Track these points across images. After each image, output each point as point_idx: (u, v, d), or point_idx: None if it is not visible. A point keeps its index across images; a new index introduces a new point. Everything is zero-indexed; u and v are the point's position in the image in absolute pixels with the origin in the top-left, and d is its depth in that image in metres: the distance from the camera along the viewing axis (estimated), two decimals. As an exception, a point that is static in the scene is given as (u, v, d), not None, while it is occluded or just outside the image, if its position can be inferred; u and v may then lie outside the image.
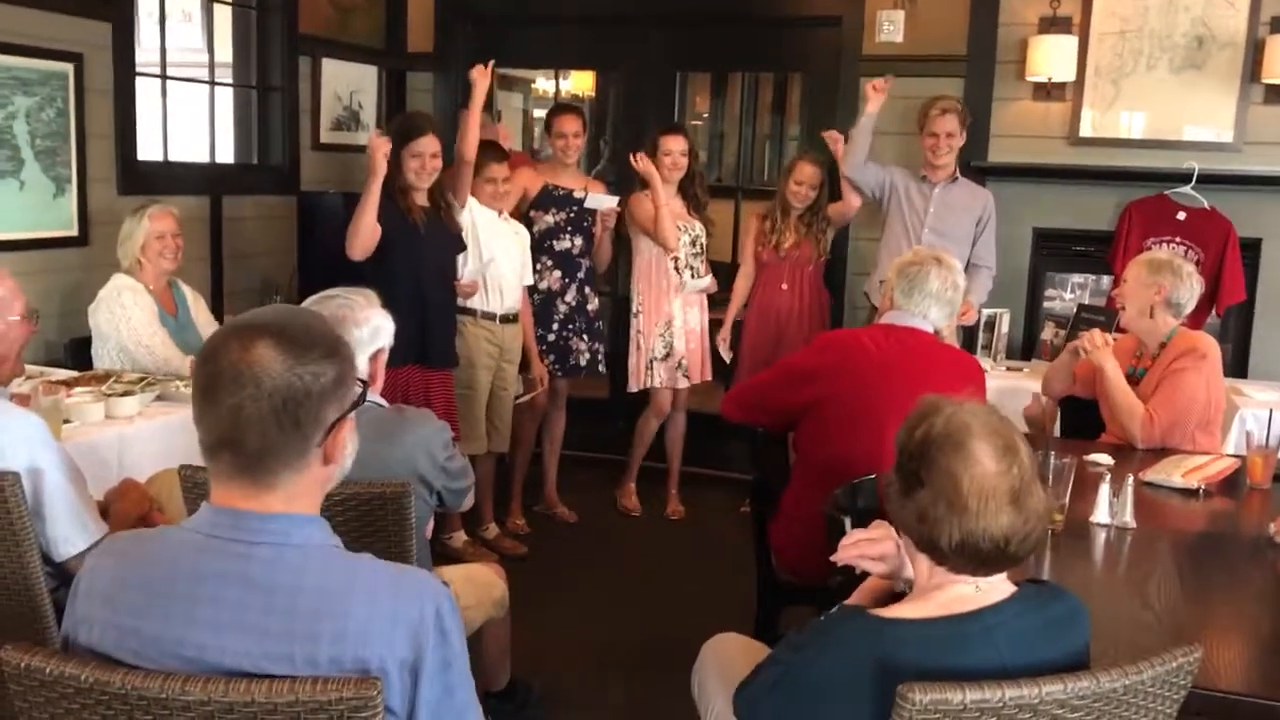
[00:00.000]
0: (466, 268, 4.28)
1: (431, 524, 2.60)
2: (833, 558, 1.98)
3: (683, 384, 4.95)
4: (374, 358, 2.43)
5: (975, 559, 1.59)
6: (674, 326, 4.89)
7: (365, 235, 3.88)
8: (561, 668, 3.60)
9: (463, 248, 4.22)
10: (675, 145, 4.79)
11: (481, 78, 4.24)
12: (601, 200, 4.76)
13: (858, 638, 1.57)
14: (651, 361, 4.91)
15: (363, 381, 1.53)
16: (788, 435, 3.32)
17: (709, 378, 5.05)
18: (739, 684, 1.78)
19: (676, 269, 4.86)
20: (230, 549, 1.42)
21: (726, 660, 2.31)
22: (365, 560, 1.50)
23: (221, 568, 1.41)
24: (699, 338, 4.99)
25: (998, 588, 1.63)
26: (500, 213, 4.43)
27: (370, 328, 2.42)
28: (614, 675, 3.59)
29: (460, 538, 4.48)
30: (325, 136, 5.45)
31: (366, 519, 2.22)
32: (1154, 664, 1.53)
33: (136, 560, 1.47)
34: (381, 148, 3.83)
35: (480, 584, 2.84)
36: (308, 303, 2.48)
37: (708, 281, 4.97)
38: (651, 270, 4.90)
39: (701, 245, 4.91)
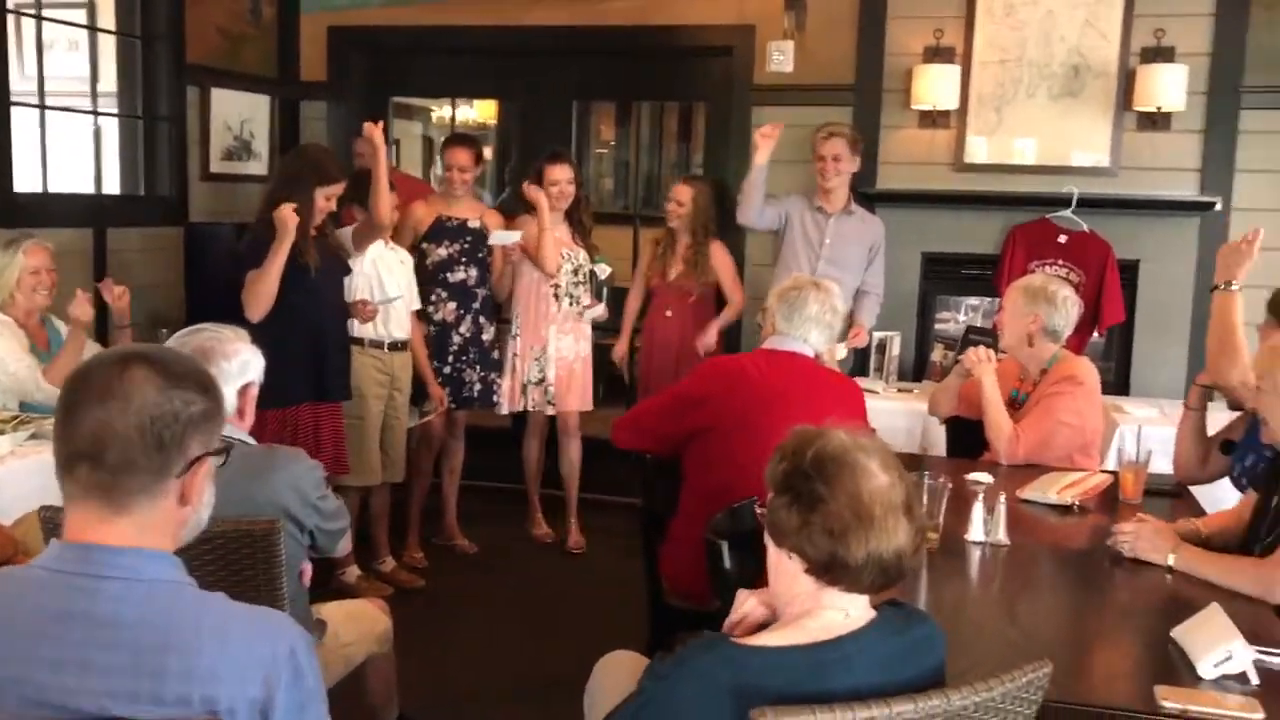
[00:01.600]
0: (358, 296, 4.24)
1: (308, 567, 2.56)
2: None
3: (549, 411, 4.94)
4: (242, 391, 2.40)
5: (878, 572, 1.62)
6: (548, 353, 4.89)
7: (269, 298, 3.76)
8: (458, 702, 3.55)
9: (349, 271, 4.16)
10: (560, 174, 4.81)
11: (378, 138, 4.07)
12: (504, 236, 4.77)
13: (717, 666, 1.57)
14: (526, 385, 4.91)
15: (228, 442, 1.53)
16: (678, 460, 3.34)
17: (588, 407, 5.02)
18: (607, 714, 1.77)
19: (556, 295, 4.87)
20: (76, 584, 1.39)
21: (615, 679, 2.30)
22: (217, 598, 1.48)
23: (66, 605, 1.38)
24: (573, 365, 4.94)
25: (862, 614, 1.65)
26: (386, 241, 4.39)
27: (239, 361, 2.39)
28: (511, 708, 3.56)
29: (354, 572, 4.41)
30: (215, 166, 5.37)
31: (234, 557, 2.18)
32: (1004, 680, 1.56)
33: None
34: (292, 219, 3.72)
35: (362, 619, 2.80)
36: (175, 336, 2.45)
37: (600, 310, 4.98)
38: (531, 295, 4.90)
39: (585, 274, 4.90)
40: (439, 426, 4.79)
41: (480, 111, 8.10)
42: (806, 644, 1.61)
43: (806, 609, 1.67)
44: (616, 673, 2.36)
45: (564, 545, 5.05)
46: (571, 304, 4.89)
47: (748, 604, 1.90)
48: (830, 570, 1.64)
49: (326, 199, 3.90)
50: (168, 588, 1.44)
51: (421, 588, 4.52)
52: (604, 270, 4.93)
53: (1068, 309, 3.44)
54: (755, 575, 2.44)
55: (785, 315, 3.05)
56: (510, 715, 3.52)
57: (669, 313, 4.97)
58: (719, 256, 4.99)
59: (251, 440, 2.46)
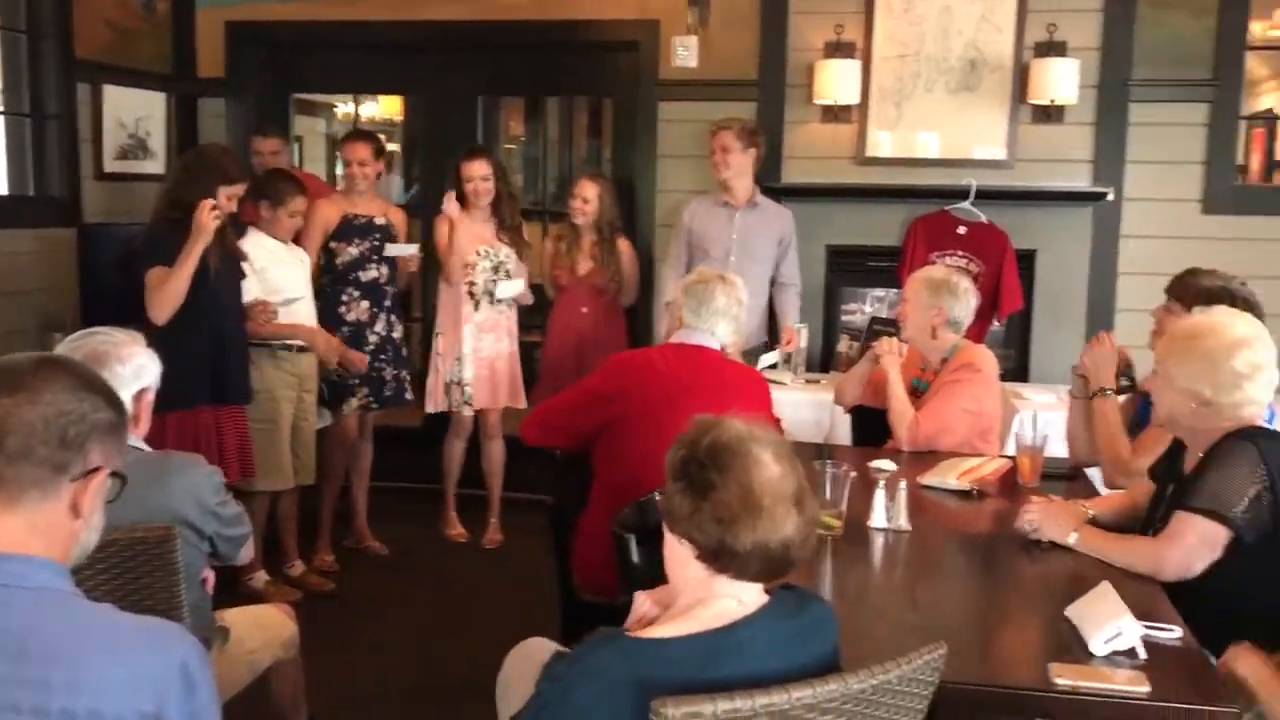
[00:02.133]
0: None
1: (210, 575, 2.51)
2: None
3: (466, 411, 4.92)
4: (138, 397, 2.35)
5: (765, 561, 1.64)
6: (464, 352, 4.86)
7: (178, 298, 3.67)
8: (370, 705, 3.52)
9: (244, 275, 4.08)
10: (476, 170, 4.77)
11: (208, 218, 3.69)
12: (401, 249, 4.73)
13: (613, 661, 1.58)
14: (449, 384, 4.88)
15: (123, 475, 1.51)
16: (587, 456, 3.34)
17: (520, 404, 4.99)
18: (511, 717, 1.77)
19: (472, 294, 4.83)
20: None
21: (526, 667, 2.30)
22: (105, 609, 1.45)
23: None
24: (495, 364, 4.92)
25: (754, 600, 1.67)
26: (286, 241, 4.32)
27: (134, 365, 2.34)
28: (424, 709, 3.53)
29: (261, 577, 4.34)
30: (110, 166, 5.22)
31: (130, 565, 2.13)
32: (900, 663, 1.59)
33: None
34: (212, 220, 3.65)
35: (267, 625, 2.75)
36: (67, 341, 2.38)
37: (519, 287, 4.88)
38: (449, 295, 4.88)
39: (507, 271, 4.88)
40: (352, 428, 4.73)
41: (385, 107, 8.01)
42: (700, 632, 1.63)
43: (700, 597, 1.69)
44: (528, 661, 2.36)
45: (479, 544, 5.02)
46: (492, 302, 4.86)
47: (644, 605, 1.92)
48: (719, 557, 1.66)
49: (228, 199, 3.82)
50: (54, 596, 1.41)
51: (332, 591, 4.46)
52: (401, 249, 4.73)
53: (969, 299, 3.52)
54: (662, 568, 2.47)
55: (693, 309, 3.08)
56: (423, 716, 3.49)
57: (584, 309, 4.94)
58: (627, 255, 4.98)
59: (146, 447, 2.40)
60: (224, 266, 3.85)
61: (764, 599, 1.68)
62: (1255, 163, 5.48)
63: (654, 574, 2.44)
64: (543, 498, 5.20)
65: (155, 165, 5.48)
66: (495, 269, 4.85)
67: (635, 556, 2.44)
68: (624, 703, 1.54)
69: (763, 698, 1.48)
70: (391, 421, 5.21)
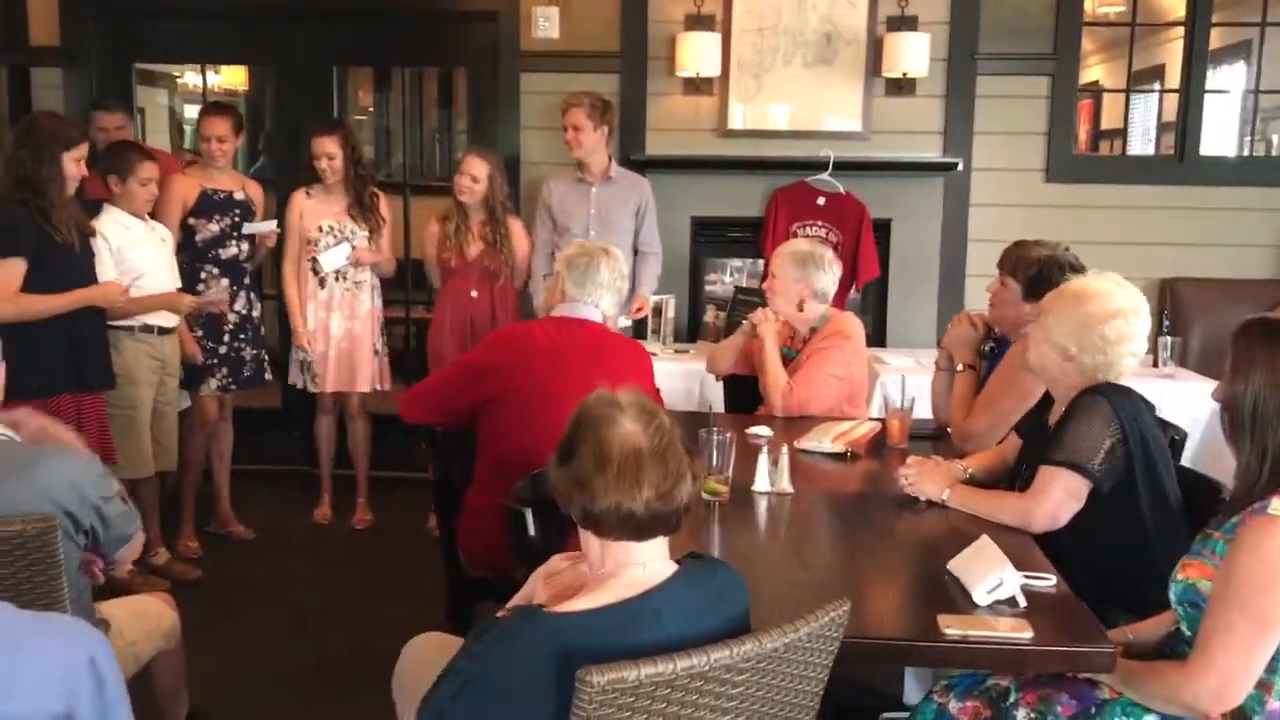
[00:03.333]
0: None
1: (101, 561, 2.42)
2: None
3: (312, 389, 4.83)
4: None
5: (627, 519, 1.68)
6: (311, 329, 4.77)
7: (34, 319, 3.53)
8: (246, 694, 3.44)
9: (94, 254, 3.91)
10: (321, 147, 4.66)
11: (118, 297, 3.83)
12: (259, 226, 4.61)
13: (533, 636, 1.60)
14: (301, 363, 4.81)
15: None
16: (468, 432, 3.33)
17: (365, 387, 4.87)
18: (421, 699, 1.77)
19: (315, 271, 4.74)
20: None
21: (424, 662, 2.29)
22: (5, 609, 1.39)
23: None
24: (344, 344, 4.80)
25: (663, 568, 1.71)
26: (144, 218, 4.15)
27: None
28: (301, 694, 3.47)
29: (125, 567, 4.17)
30: (-63, 140, 4.90)
31: (7, 559, 2.03)
32: (809, 621, 1.66)
33: None
34: (120, 300, 3.79)
35: (147, 616, 2.67)
36: None
37: (340, 258, 4.70)
38: (295, 269, 4.79)
39: (354, 247, 4.73)
40: (212, 410, 4.59)
41: (228, 77, 7.71)
42: (615, 602, 1.66)
43: (610, 570, 1.72)
44: (425, 655, 2.35)
45: (348, 524, 4.94)
46: (337, 279, 4.75)
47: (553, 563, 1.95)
48: (590, 521, 1.71)
49: (76, 162, 3.66)
50: None
51: (198, 579, 4.34)
52: (258, 226, 4.62)
53: (834, 270, 3.64)
54: (558, 541, 2.49)
55: (576, 281, 3.09)
56: (303, 702, 3.44)
57: (474, 293, 4.74)
58: (519, 236, 4.82)
59: (15, 435, 2.29)
60: (82, 247, 3.68)
61: (673, 567, 1.73)
62: (1082, 133, 5.78)
63: (549, 546, 2.47)
64: (408, 475, 5.18)
65: (-13, 139, 5.16)
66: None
67: (532, 530, 2.44)
68: (545, 675, 1.56)
69: (683, 661, 1.52)
70: (252, 403, 5.08)
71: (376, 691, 2.67)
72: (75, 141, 3.68)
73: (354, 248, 4.71)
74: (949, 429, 3.32)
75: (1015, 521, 2.48)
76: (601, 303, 3.15)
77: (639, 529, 1.69)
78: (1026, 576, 2.12)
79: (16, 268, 3.53)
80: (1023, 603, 2.06)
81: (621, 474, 1.67)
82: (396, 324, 5.94)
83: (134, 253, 4.06)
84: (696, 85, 5.21)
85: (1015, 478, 2.69)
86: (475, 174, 4.69)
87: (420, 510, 4.95)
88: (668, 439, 1.72)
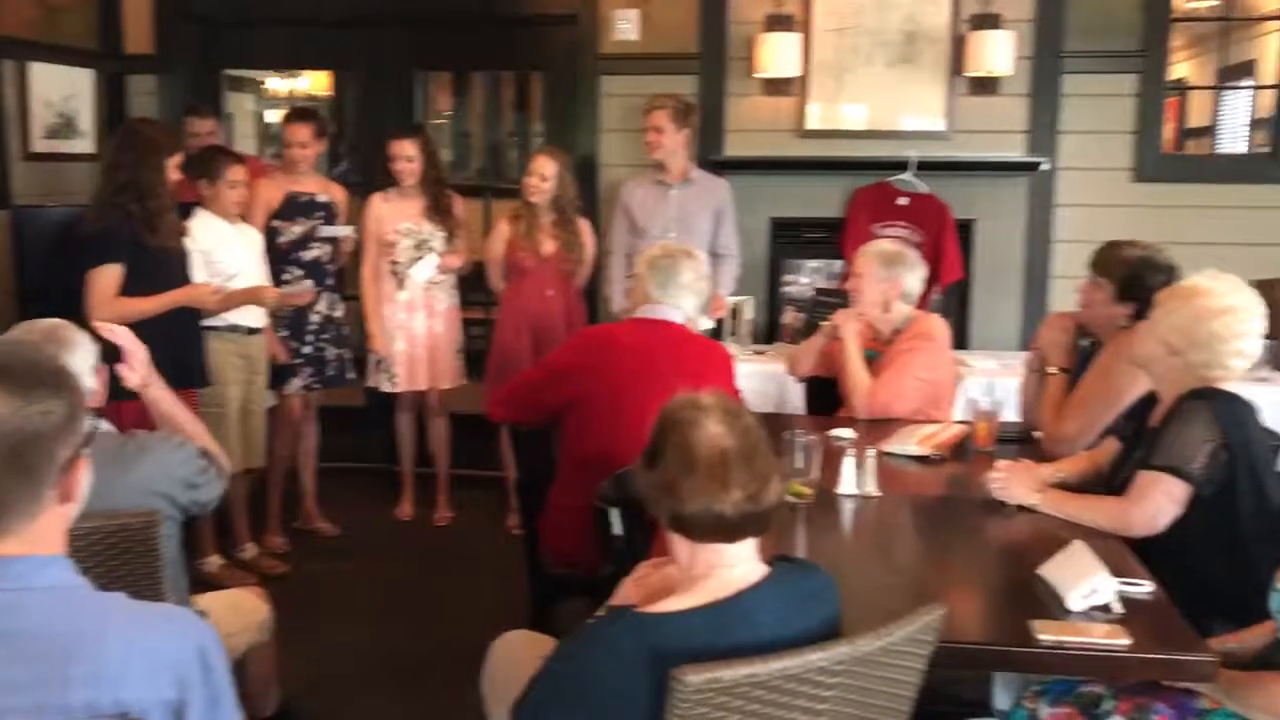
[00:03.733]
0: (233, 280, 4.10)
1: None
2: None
3: (387, 388, 4.89)
4: (97, 371, 2.32)
5: (716, 522, 1.67)
6: (390, 329, 4.83)
7: (129, 321, 3.56)
8: (332, 686, 3.50)
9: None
10: (400, 150, 4.72)
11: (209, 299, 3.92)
12: (337, 230, 4.69)
13: (627, 637, 1.61)
14: (376, 363, 4.87)
15: (97, 411, 1.46)
16: (551, 431, 3.36)
17: (448, 384, 4.93)
18: (515, 701, 1.79)
19: (395, 273, 4.80)
20: None
21: (514, 660, 2.31)
22: (118, 599, 1.44)
23: None
24: (425, 343, 4.86)
25: (754, 569, 1.71)
26: (234, 221, 4.25)
27: (83, 350, 2.31)
28: (386, 688, 3.53)
29: (215, 561, 4.29)
30: (38, 146, 5.06)
31: (112, 553, 2.10)
32: (903, 625, 1.65)
33: None
34: (211, 301, 3.87)
35: (241, 609, 2.74)
36: (11, 333, 2.33)
37: (430, 268, 4.75)
38: (374, 273, 4.84)
39: (431, 249, 4.78)
40: (297, 409, 4.69)
41: (313, 83, 7.87)
42: (708, 603, 1.66)
43: (700, 572, 1.72)
44: (514, 654, 2.38)
45: (429, 522, 5.01)
46: (414, 282, 4.82)
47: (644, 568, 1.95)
48: (679, 524, 1.71)
49: (175, 168, 3.78)
50: (63, 594, 1.39)
51: (285, 573, 4.42)
52: (335, 230, 4.69)
53: (920, 271, 3.60)
54: (643, 540, 2.50)
55: (659, 283, 3.10)
56: (389, 695, 3.49)
57: (550, 292, 4.77)
58: (587, 235, 4.86)
59: (109, 426, 2.36)
60: (180, 250, 3.79)
61: (764, 569, 1.72)
62: (1168, 131, 5.64)
63: (635, 545, 2.49)
64: (487, 474, 5.24)
65: (85, 145, 5.33)
66: (418, 247, 4.80)
67: (617, 529, 2.46)
68: (639, 675, 1.57)
69: (777, 662, 1.53)
70: (335, 402, 5.17)
71: (462, 687, 2.70)
72: (176, 148, 3.80)
73: (439, 257, 4.78)
74: (1037, 432, 3.27)
75: (1112, 526, 2.43)
76: (684, 304, 3.15)
77: (729, 531, 1.69)
78: (1122, 582, 2.08)
79: (113, 273, 3.64)
80: (1118, 609, 2.03)
81: (709, 476, 1.66)
82: (476, 324, 6.01)
83: (223, 255, 4.16)
84: (776, 86, 5.19)
85: (1110, 483, 2.64)
86: (544, 173, 4.71)
87: (499, 508, 5.01)
88: (754, 439, 1.71)
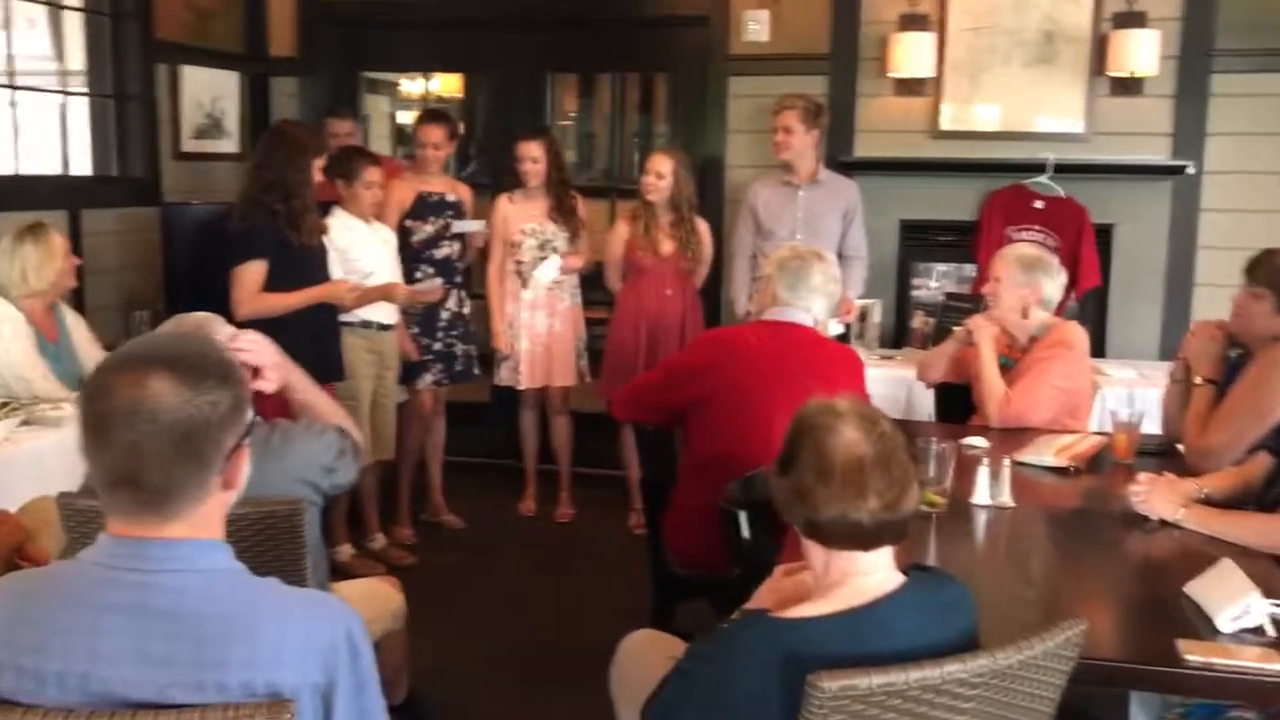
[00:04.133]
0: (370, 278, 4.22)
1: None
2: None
3: (515, 385, 4.96)
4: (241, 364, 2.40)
5: (852, 530, 1.65)
6: (515, 328, 4.90)
7: (270, 316, 3.70)
8: (458, 676, 3.57)
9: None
10: (526, 151, 4.79)
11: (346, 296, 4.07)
12: (468, 225, 4.78)
13: (762, 641, 1.61)
14: (500, 361, 4.95)
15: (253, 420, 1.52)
16: (675, 431, 3.37)
17: (569, 381, 5.00)
18: (645, 701, 1.80)
19: (519, 272, 4.86)
20: (131, 579, 1.38)
21: (642, 659, 2.33)
22: (272, 584, 1.49)
23: (123, 599, 1.37)
24: (547, 342, 4.93)
25: (890, 578, 1.69)
26: (369, 220, 4.37)
27: (228, 333, 2.39)
28: (511, 680, 3.59)
29: (346, 550, 4.42)
30: (187, 145, 5.29)
31: (259, 539, 2.17)
32: (1044, 639, 1.61)
33: (33, 597, 1.42)
34: (349, 299, 4.00)
35: (377, 597, 2.81)
36: (161, 329, 2.42)
37: (554, 270, 4.83)
38: (499, 272, 4.92)
39: (555, 249, 4.86)
40: (427, 403, 4.80)
41: (444, 85, 8.03)
42: (844, 610, 1.64)
43: (835, 579, 1.70)
44: (643, 653, 2.39)
45: (551, 518, 5.07)
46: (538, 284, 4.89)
47: (780, 579, 1.94)
48: (814, 532, 1.68)
49: (319, 169, 3.91)
50: (223, 576, 1.45)
51: (413, 564, 4.53)
52: (468, 225, 4.80)
53: (1060, 278, 3.51)
54: (770, 544, 2.49)
55: (789, 285, 3.08)
56: (512, 686, 3.55)
57: (669, 291, 4.80)
58: (705, 234, 4.89)
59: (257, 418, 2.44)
60: (320, 247, 3.91)
61: (900, 578, 1.70)
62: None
63: (762, 548, 2.48)
64: (607, 472, 5.28)
65: (230, 145, 5.55)
66: (541, 247, 4.86)
67: (745, 532, 2.45)
68: (771, 680, 1.57)
69: (915, 672, 1.50)
70: (462, 397, 5.27)
71: (586, 683, 2.74)
72: (321, 150, 3.94)
73: (562, 258, 4.84)
74: (1180, 445, 3.15)
75: (1263, 544, 2.32)
76: (813, 307, 3.13)
77: (865, 539, 1.67)
78: (1274, 604, 1.99)
79: (258, 269, 3.77)
80: (1271, 632, 1.94)
81: (845, 484, 1.64)
82: (598, 324, 6.06)
83: (358, 253, 4.28)
84: (909, 86, 5.12)
85: (1261, 500, 2.53)
86: (661, 171, 4.73)
87: (619, 507, 5.05)
88: (891, 445, 1.69)
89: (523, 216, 4.86)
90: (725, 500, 2.54)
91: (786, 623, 1.62)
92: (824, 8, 5.17)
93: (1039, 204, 4.95)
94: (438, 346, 4.76)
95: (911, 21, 5.04)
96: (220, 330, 2.42)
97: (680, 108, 5.87)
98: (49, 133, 5.04)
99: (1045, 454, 3.06)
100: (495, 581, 4.41)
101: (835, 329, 4.50)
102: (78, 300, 4.56)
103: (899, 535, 1.70)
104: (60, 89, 5.00)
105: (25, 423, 3.26)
